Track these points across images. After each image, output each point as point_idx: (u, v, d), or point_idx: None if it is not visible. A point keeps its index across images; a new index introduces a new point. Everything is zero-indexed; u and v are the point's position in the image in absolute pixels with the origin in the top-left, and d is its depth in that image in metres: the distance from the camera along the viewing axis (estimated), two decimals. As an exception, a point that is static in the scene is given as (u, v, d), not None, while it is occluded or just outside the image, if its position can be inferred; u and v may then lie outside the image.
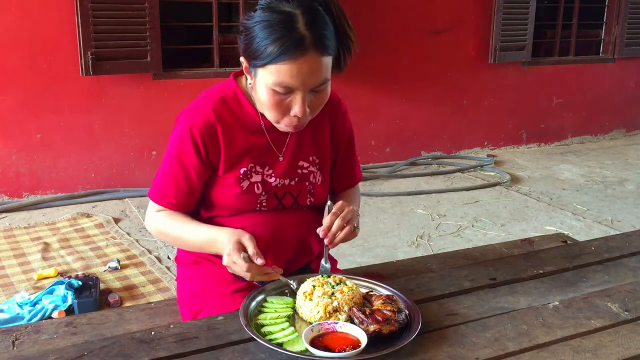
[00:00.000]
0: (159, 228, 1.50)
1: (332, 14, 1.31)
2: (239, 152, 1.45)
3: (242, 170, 1.45)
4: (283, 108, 1.33)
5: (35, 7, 3.97)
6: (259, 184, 1.47)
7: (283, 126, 1.38)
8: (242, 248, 1.32)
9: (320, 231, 1.38)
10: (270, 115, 1.37)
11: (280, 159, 1.48)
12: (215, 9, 4.50)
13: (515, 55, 5.61)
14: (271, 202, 1.48)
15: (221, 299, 1.46)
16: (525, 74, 5.81)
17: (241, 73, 1.49)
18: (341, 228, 1.37)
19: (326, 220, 1.38)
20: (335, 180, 1.63)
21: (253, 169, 1.46)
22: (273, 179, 1.48)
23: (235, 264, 1.30)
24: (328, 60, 1.31)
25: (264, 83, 1.31)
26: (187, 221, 1.47)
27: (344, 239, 1.40)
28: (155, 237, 1.59)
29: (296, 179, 1.50)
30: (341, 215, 1.38)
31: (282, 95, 1.31)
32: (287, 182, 1.49)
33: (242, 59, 1.37)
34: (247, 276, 1.32)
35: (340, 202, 1.41)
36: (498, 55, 5.48)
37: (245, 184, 1.46)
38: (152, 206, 1.51)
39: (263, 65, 1.29)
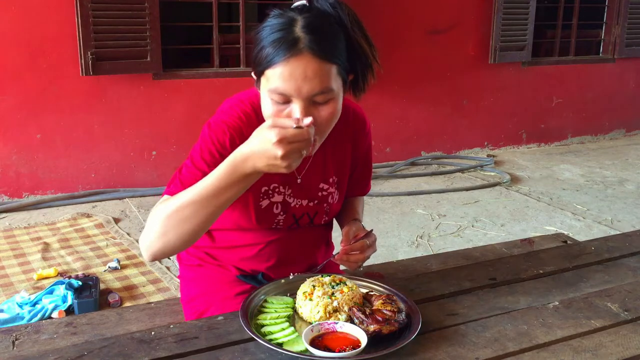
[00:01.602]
0: (162, 214, 1.21)
1: (344, 26, 1.24)
2: None
3: (263, 189, 1.40)
4: None
5: (35, 7, 3.97)
6: (279, 204, 1.42)
7: None
8: (280, 124, 1.09)
9: (341, 248, 1.38)
10: None
11: (298, 181, 1.43)
12: (215, 9, 4.50)
13: (515, 55, 5.61)
14: (288, 221, 1.45)
15: (225, 301, 1.45)
16: (525, 74, 5.81)
17: None
18: (360, 259, 1.39)
19: (356, 245, 1.38)
20: (347, 189, 1.58)
21: (276, 189, 1.41)
22: (292, 199, 1.44)
23: (293, 140, 1.07)
24: (330, 68, 1.20)
25: (264, 93, 1.24)
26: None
27: (351, 265, 1.41)
28: (153, 250, 1.25)
29: (315, 201, 1.47)
30: (369, 248, 1.39)
31: (281, 106, 1.21)
32: (305, 203, 1.45)
33: (252, 74, 1.29)
34: (310, 143, 1.11)
35: (374, 237, 1.41)
36: (498, 55, 5.48)
37: (265, 202, 1.41)
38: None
39: (262, 73, 1.22)
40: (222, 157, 1.21)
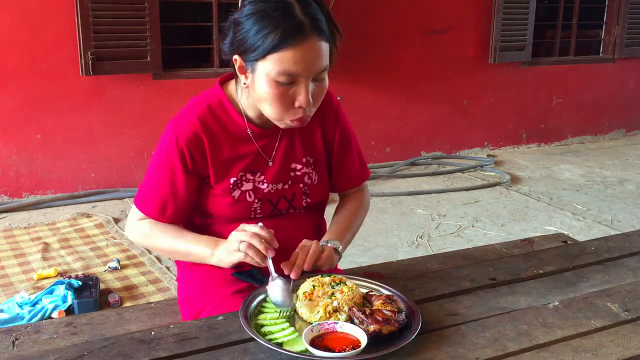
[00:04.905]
0: (147, 238, 1.48)
1: (319, 2, 1.32)
2: (227, 161, 1.43)
3: (232, 180, 1.43)
4: (287, 101, 1.30)
5: (35, 7, 3.97)
6: (250, 192, 1.44)
7: (288, 122, 1.34)
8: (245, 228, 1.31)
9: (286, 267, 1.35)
10: (273, 111, 1.33)
11: (270, 164, 1.46)
12: (215, 9, 4.50)
13: (515, 55, 5.61)
14: (266, 208, 1.47)
15: (222, 300, 1.45)
16: (525, 74, 5.81)
17: (226, 79, 1.47)
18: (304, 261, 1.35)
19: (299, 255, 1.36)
20: (336, 181, 1.60)
21: (243, 177, 1.44)
22: (265, 185, 1.46)
23: (255, 233, 1.28)
24: (326, 46, 1.30)
25: (265, 76, 1.28)
26: (181, 234, 1.45)
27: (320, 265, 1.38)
28: (138, 244, 1.55)
29: (289, 183, 1.48)
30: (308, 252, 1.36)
31: (286, 86, 1.28)
32: (280, 186, 1.47)
33: (235, 56, 1.33)
34: (267, 239, 1.29)
35: (303, 242, 1.39)
36: (498, 55, 5.48)
37: (237, 193, 1.44)
38: (135, 214, 1.48)
39: (263, 57, 1.26)
40: (173, 170, 1.40)
